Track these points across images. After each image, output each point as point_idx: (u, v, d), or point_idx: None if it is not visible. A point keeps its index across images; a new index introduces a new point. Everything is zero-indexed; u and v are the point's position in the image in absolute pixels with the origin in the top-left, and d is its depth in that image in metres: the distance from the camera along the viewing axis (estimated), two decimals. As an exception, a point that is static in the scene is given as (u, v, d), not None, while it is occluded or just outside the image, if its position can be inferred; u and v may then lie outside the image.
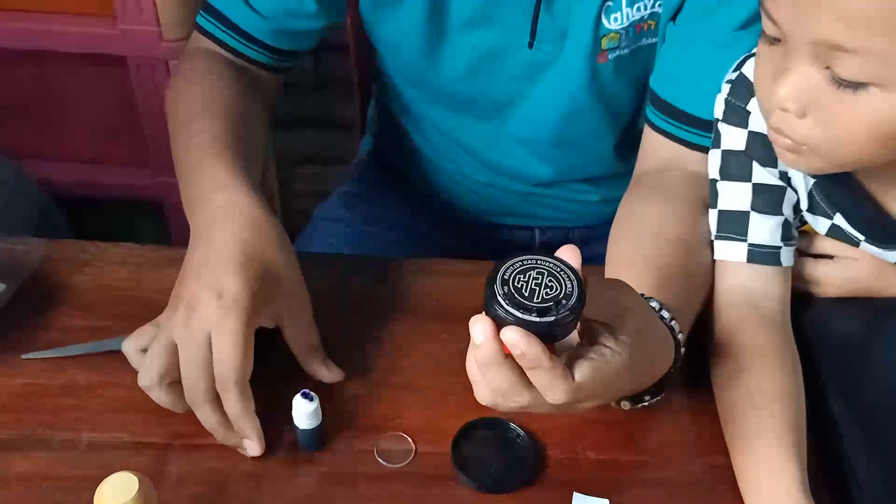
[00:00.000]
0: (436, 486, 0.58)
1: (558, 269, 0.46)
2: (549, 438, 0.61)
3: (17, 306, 0.66)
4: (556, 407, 0.49)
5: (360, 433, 0.60)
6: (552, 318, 0.44)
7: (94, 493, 0.47)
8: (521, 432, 0.60)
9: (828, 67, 0.52)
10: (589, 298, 0.46)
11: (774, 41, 0.55)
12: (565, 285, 0.45)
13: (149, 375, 0.57)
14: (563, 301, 0.45)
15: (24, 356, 0.63)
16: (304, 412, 0.57)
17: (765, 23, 0.55)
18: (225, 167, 0.64)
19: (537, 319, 0.44)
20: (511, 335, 0.44)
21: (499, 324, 0.45)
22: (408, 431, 0.60)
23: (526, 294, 0.45)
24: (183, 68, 0.78)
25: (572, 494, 0.57)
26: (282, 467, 0.58)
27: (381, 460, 0.59)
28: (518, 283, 0.45)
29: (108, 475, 0.48)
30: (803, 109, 0.54)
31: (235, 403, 0.56)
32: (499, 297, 0.44)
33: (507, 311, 0.44)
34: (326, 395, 0.62)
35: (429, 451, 0.59)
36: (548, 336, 0.45)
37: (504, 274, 0.45)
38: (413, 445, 0.60)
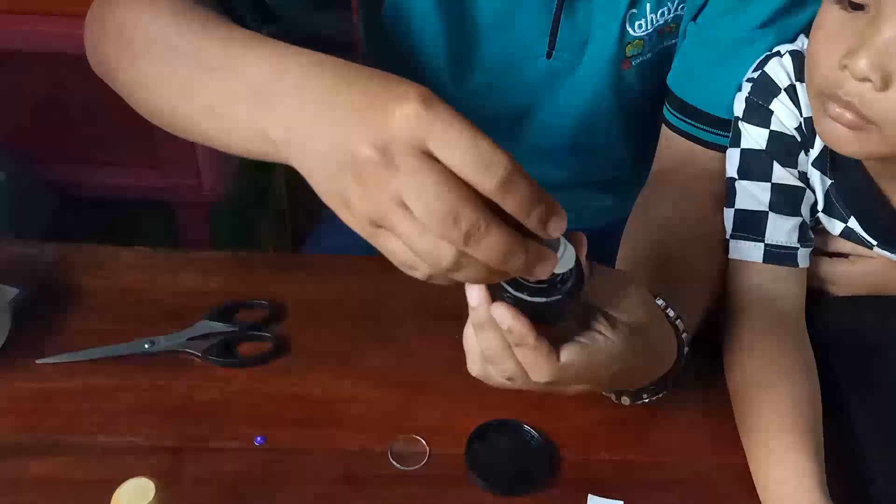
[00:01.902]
0: (450, 489, 0.58)
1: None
2: (563, 440, 0.60)
3: (32, 310, 0.66)
4: (543, 386, 0.49)
5: (373, 435, 0.60)
6: (543, 300, 0.45)
7: (109, 497, 0.47)
8: (535, 434, 0.60)
9: None
10: (595, 287, 0.47)
11: (854, 8, 0.53)
12: (565, 270, 0.46)
13: (428, 264, 0.41)
14: (559, 285, 0.45)
15: (38, 361, 0.63)
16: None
17: None
18: (272, 42, 0.49)
19: (528, 298, 0.45)
20: (498, 310, 0.45)
21: (493, 297, 0.46)
22: (421, 433, 0.60)
23: None
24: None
25: (587, 496, 0.57)
26: (297, 470, 0.58)
27: (394, 463, 0.59)
28: None
29: (124, 478, 0.48)
30: (887, 80, 0.51)
31: (526, 185, 0.40)
32: None
33: (501, 286, 0.45)
34: (337, 396, 0.62)
35: (442, 452, 0.59)
36: (538, 316, 0.46)
37: None
38: (427, 448, 0.60)
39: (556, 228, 0.41)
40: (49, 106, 1.16)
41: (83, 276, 0.70)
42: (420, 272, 0.42)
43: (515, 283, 0.45)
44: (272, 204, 1.53)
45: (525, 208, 0.40)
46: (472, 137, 0.39)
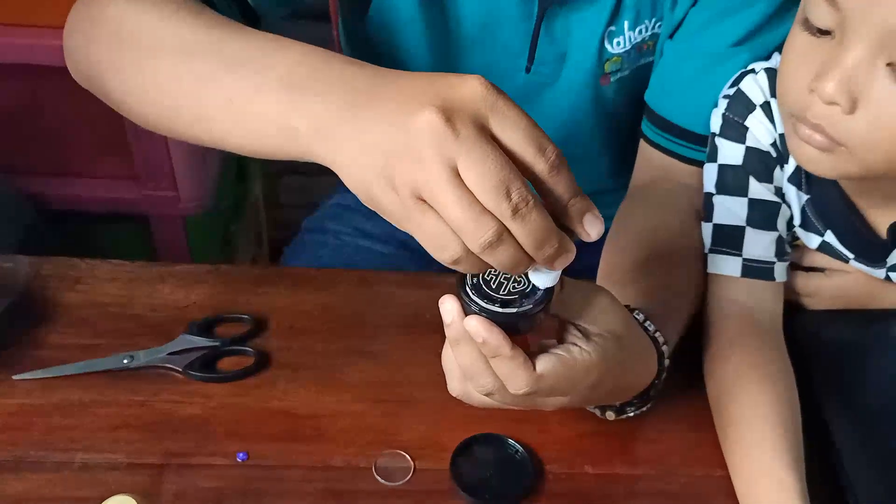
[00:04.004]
0: None
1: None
2: (548, 453, 0.61)
3: (8, 324, 0.65)
4: (522, 400, 0.50)
5: (358, 450, 0.60)
6: (514, 310, 0.46)
7: (90, 516, 0.47)
8: (520, 447, 0.60)
9: (890, 63, 0.50)
10: (565, 300, 0.49)
11: (822, 33, 0.53)
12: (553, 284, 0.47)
13: (467, 239, 0.41)
14: (529, 295, 0.47)
15: (15, 377, 0.62)
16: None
17: (816, 12, 0.53)
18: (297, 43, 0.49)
19: (500, 310, 0.46)
20: (472, 323, 0.46)
21: (466, 313, 0.47)
22: (406, 447, 0.60)
23: (493, 286, 0.47)
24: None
25: (571, 509, 0.58)
26: (280, 486, 0.58)
27: (379, 478, 0.59)
28: (487, 276, 0.47)
29: (104, 496, 0.48)
30: (854, 104, 0.52)
31: (571, 175, 0.43)
32: (467, 288, 0.47)
33: (472, 300, 0.46)
34: (320, 411, 0.62)
35: (427, 467, 0.59)
36: (511, 327, 0.47)
37: None
38: (411, 463, 0.59)
39: (591, 224, 0.44)
40: (25, 118, 1.15)
41: (61, 289, 0.69)
42: (450, 252, 0.42)
43: (486, 296, 0.46)
44: (248, 216, 1.52)
45: (569, 194, 0.42)
46: (530, 121, 0.42)
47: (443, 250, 0.42)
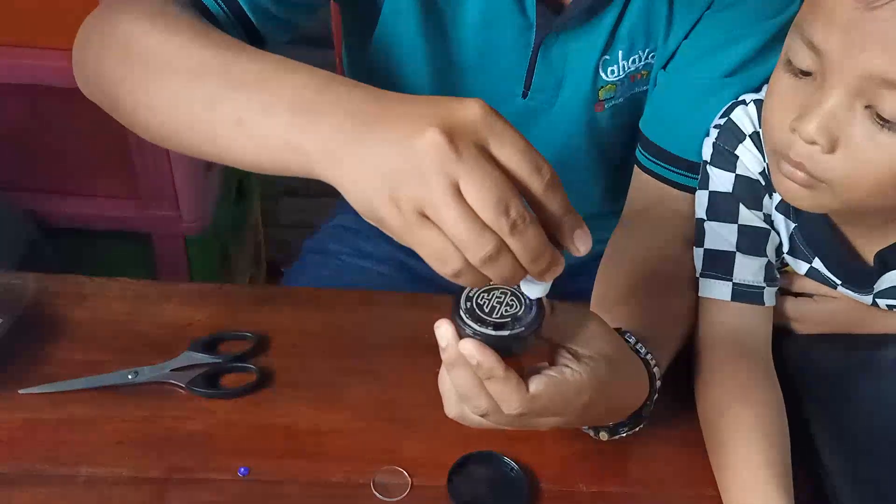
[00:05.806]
0: (432, 520, 0.59)
1: (520, 291, 0.49)
2: (543, 471, 0.62)
3: (14, 340, 0.66)
4: (516, 420, 0.51)
5: (356, 467, 0.61)
6: (507, 333, 0.48)
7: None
8: (515, 465, 0.61)
9: (868, 106, 0.52)
10: (557, 324, 0.50)
11: (803, 74, 0.55)
12: (525, 304, 0.49)
13: (468, 253, 0.43)
14: (521, 318, 0.49)
15: (21, 391, 0.63)
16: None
17: (796, 54, 0.55)
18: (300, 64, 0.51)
19: (493, 333, 0.48)
20: (466, 346, 0.48)
21: (461, 336, 0.48)
22: (404, 465, 0.61)
23: (486, 310, 0.49)
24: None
25: (565, 527, 0.59)
26: (280, 501, 0.59)
27: (377, 494, 0.60)
28: (481, 301, 0.49)
29: (109, 510, 0.49)
30: (833, 144, 0.53)
31: (564, 193, 0.45)
32: (461, 312, 0.49)
33: (466, 323, 0.48)
34: (320, 427, 0.63)
35: (424, 484, 0.60)
36: (505, 350, 0.48)
37: (470, 292, 0.49)
38: (409, 479, 0.61)
39: (580, 240, 0.46)
40: (29, 137, 1.16)
41: (67, 306, 0.70)
42: (451, 266, 0.44)
43: (479, 320, 0.48)
44: (247, 236, 1.54)
45: (563, 211, 0.45)
46: (526, 143, 0.44)
47: (444, 264, 0.44)
